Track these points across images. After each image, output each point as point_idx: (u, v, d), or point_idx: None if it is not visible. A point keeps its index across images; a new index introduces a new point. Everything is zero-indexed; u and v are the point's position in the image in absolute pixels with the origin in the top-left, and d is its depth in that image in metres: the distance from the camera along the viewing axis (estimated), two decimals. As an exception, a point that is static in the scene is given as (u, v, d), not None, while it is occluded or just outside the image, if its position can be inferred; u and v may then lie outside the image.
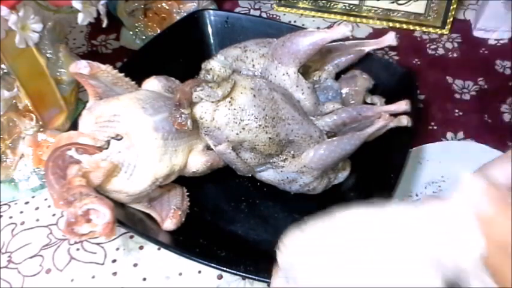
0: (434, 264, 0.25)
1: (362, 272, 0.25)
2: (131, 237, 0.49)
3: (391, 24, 0.70)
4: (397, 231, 0.26)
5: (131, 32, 0.69)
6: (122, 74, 0.45)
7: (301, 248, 0.28)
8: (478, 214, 0.25)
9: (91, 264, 0.48)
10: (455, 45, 0.68)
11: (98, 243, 0.49)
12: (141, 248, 0.49)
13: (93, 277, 0.47)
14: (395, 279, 0.25)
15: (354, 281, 0.25)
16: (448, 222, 0.25)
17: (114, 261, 0.48)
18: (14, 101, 0.51)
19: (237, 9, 0.75)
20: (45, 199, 0.53)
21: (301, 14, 0.73)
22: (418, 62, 0.66)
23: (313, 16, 0.73)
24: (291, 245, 0.29)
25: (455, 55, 0.67)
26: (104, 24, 0.49)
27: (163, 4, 0.69)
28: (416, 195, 0.52)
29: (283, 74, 0.47)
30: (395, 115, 0.48)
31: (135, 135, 0.41)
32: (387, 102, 0.51)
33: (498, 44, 0.68)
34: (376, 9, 0.70)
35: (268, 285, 0.40)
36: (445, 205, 0.26)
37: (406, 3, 0.68)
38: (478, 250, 0.24)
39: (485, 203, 0.25)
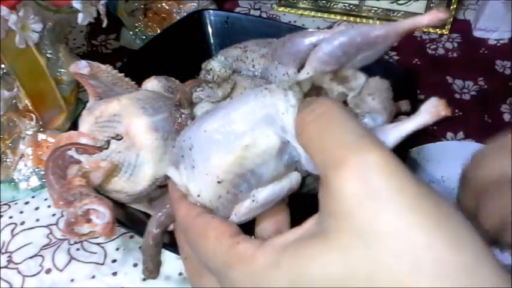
0: (269, 123, 0.28)
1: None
2: (131, 237, 0.49)
3: (391, 24, 0.70)
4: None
5: (131, 32, 0.69)
6: (122, 74, 0.45)
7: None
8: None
9: (91, 264, 0.48)
10: (455, 45, 0.68)
11: (98, 243, 0.49)
12: (141, 248, 0.48)
13: (93, 277, 0.47)
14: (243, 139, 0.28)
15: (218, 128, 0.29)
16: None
17: (114, 261, 0.48)
18: (14, 101, 0.51)
19: (237, 9, 0.75)
20: (45, 199, 0.53)
21: (301, 14, 0.73)
22: (418, 62, 0.66)
23: (313, 16, 0.73)
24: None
25: (455, 55, 0.67)
26: (104, 24, 0.49)
27: (163, 4, 0.69)
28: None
29: (283, 74, 0.47)
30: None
31: (135, 135, 0.41)
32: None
33: (498, 44, 0.68)
34: (376, 9, 0.70)
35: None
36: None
37: (406, 3, 0.68)
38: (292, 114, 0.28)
39: None
